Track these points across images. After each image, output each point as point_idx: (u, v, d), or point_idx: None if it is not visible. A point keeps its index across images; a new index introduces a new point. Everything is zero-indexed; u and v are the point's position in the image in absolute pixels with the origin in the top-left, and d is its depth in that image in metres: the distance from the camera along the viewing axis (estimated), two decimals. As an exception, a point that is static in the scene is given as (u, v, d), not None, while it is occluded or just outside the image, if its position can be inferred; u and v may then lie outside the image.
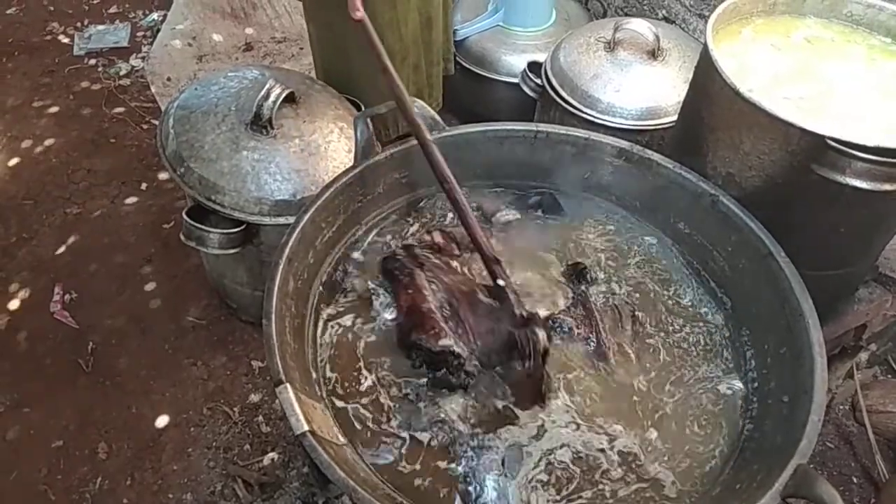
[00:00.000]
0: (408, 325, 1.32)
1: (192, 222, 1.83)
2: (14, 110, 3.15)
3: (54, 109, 3.16)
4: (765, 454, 1.16)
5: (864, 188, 1.24)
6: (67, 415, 2.15)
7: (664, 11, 2.56)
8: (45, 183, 2.84)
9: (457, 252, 1.50)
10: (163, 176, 2.84)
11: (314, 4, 2.20)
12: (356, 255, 1.50)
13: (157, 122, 2.03)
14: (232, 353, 2.29)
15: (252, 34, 3.48)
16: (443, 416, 1.24)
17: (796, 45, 1.56)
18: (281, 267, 1.24)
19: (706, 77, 1.44)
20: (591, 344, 1.35)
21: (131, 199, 2.78)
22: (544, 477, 1.18)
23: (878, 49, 1.56)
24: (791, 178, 1.33)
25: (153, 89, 3.21)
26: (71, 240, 2.63)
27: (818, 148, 1.25)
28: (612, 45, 2.08)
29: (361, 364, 1.32)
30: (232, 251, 1.87)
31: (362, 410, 1.26)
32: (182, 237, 1.86)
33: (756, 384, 1.32)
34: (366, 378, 1.30)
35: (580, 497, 1.17)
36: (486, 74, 2.58)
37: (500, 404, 1.26)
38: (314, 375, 1.28)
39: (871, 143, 1.21)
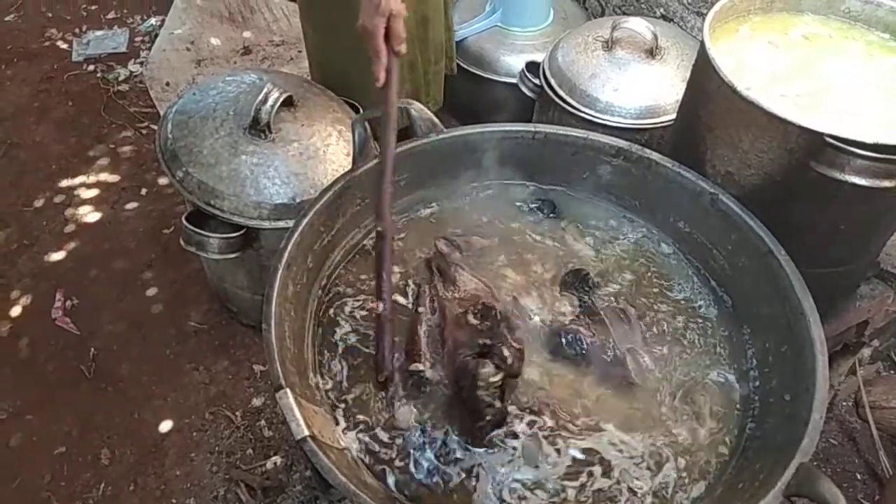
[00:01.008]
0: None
1: (191, 227, 1.83)
2: (13, 117, 3.15)
3: (53, 115, 3.16)
4: (767, 453, 1.16)
5: (863, 185, 1.24)
6: (70, 421, 2.15)
7: (662, 10, 2.56)
8: (45, 189, 2.84)
9: (457, 260, 1.48)
10: (162, 181, 2.85)
11: (309, 6, 2.20)
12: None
13: (156, 127, 2.03)
14: (233, 358, 2.29)
15: (250, 38, 3.48)
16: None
17: (794, 42, 1.56)
18: (280, 272, 1.24)
19: (704, 75, 1.44)
20: (609, 353, 1.32)
21: (131, 205, 2.78)
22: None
23: (876, 45, 1.55)
24: (790, 175, 1.33)
25: (152, 94, 3.21)
26: (71, 246, 2.64)
27: (816, 145, 1.24)
28: (610, 45, 2.08)
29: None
30: (232, 256, 1.88)
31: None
32: (182, 242, 1.86)
33: (757, 382, 1.31)
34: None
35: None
36: (485, 75, 2.58)
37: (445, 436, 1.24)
38: (314, 379, 1.28)
39: (869, 139, 1.20)
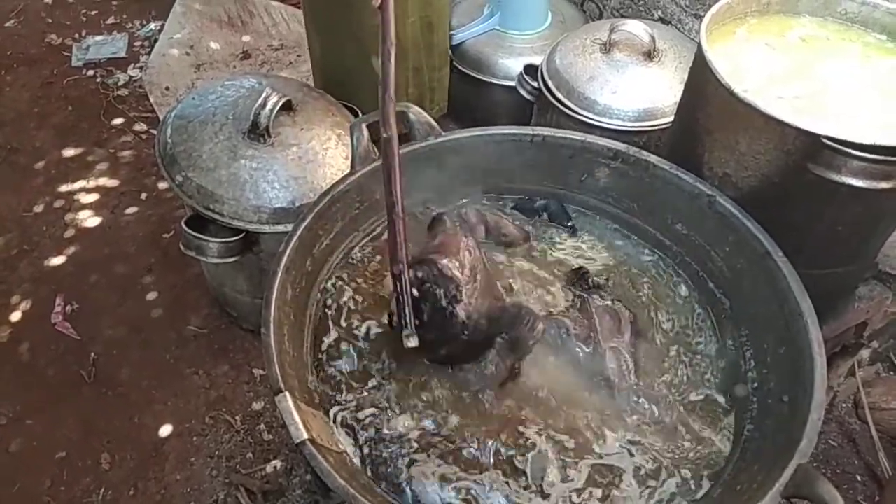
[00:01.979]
0: (431, 249, 1.28)
1: (191, 232, 1.84)
2: (13, 122, 3.16)
3: (53, 120, 3.17)
4: (765, 454, 1.16)
5: (860, 186, 1.24)
6: (70, 426, 2.15)
7: (660, 12, 2.56)
8: (45, 194, 2.84)
9: (481, 234, 1.50)
10: (162, 185, 2.85)
11: (313, 10, 2.20)
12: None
13: (155, 132, 2.04)
14: (233, 362, 2.29)
15: (249, 42, 3.49)
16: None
17: (791, 44, 1.56)
18: (279, 276, 1.24)
19: (701, 78, 1.44)
20: (589, 346, 1.33)
21: (131, 209, 2.79)
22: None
23: (873, 47, 1.55)
24: (787, 177, 1.33)
25: (152, 99, 3.22)
26: (71, 251, 2.64)
27: (814, 147, 1.25)
28: (607, 47, 2.08)
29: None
30: (231, 260, 1.88)
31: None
32: (181, 247, 1.86)
33: (756, 384, 1.32)
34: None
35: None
36: (483, 78, 2.58)
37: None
38: (313, 383, 1.28)
39: (866, 141, 1.20)
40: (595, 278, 1.47)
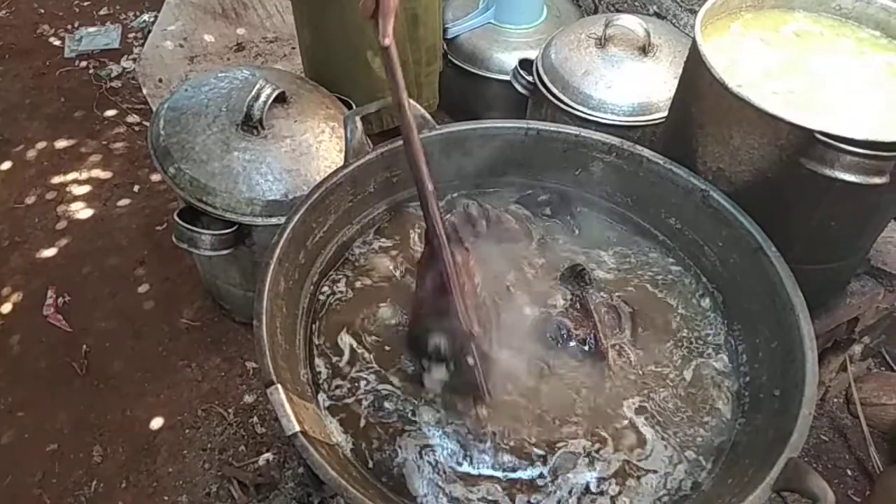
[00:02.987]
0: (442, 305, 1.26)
1: (183, 224, 1.83)
2: (4, 113, 3.14)
3: (45, 112, 3.15)
4: (757, 448, 1.16)
5: (853, 181, 1.24)
6: (61, 418, 2.14)
7: (655, 7, 2.56)
8: (37, 186, 2.83)
9: (482, 228, 1.50)
10: (155, 177, 2.84)
11: (302, 2, 2.19)
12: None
13: (148, 124, 2.03)
14: (226, 355, 2.29)
15: (243, 34, 3.48)
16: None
17: (785, 39, 1.56)
18: (271, 268, 1.24)
19: (695, 72, 1.44)
20: (590, 345, 1.34)
21: (124, 202, 2.78)
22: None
23: (867, 42, 1.56)
24: (781, 172, 1.33)
25: (145, 91, 3.20)
26: (63, 242, 2.63)
27: (807, 142, 1.25)
28: (602, 42, 2.08)
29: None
30: (224, 252, 1.87)
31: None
32: (174, 239, 1.86)
33: (748, 378, 1.32)
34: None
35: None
36: (478, 72, 2.58)
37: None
38: (305, 375, 1.28)
39: (859, 136, 1.21)
40: (592, 274, 1.47)
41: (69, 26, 3.62)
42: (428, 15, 2.25)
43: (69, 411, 2.16)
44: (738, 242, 1.37)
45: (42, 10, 3.73)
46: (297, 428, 1.02)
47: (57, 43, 3.53)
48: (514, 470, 1.19)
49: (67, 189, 2.82)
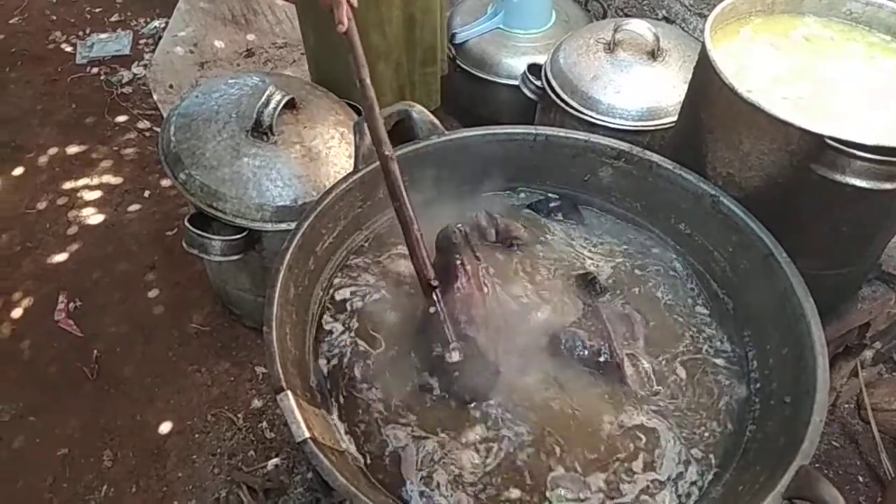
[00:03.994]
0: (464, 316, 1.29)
1: (194, 230, 1.84)
2: (17, 119, 3.16)
3: (57, 118, 3.17)
4: (767, 455, 1.15)
5: (864, 187, 1.24)
6: (72, 423, 2.15)
7: (664, 11, 2.56)
8: (49, 191, 2.85)
9: (492, 238, 1.52)
10: (165, 183, 2.85)
11: (308, 7, 2.20)
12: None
13: (159, 130, 2.04)
14: (235, 360, 2.29)
15: (253, 40, 3.49)
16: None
17: (795, 44, 1.56)
18: (281, 274, 1.24)
19: (705, 77, 1.43)
20: (605, 355, 1.32)
21: (134, 207, 2.79)
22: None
23: (877, 47, 1.55)
24: (791, 177, 1.33)
25: (155, 97, 3.22)
26: (74, 248, 2.64)
27: (817, 147, 1.24)
28: (611, 46, 2.08)
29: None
30: (234, 258, 1.88)
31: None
32: (184, 244, 1.86)
33: (758, 385, 1.31)
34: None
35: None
36: (487, 77, 2.58)
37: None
38: (315, 381, 1.28)
39: (870, 141, 1.20)
40: (603, 282, 1.46)
41: (81, 33, 3.65)
42: (427, 17, 2.25)
43: (80, 416, 2.17)
44: (749, 248, 1.36)
45: (54, 17, 3.75)
46: (307, 434, 1.03)
47: (69, 49, 3.55)
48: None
49: (78, 195, 2.84)
